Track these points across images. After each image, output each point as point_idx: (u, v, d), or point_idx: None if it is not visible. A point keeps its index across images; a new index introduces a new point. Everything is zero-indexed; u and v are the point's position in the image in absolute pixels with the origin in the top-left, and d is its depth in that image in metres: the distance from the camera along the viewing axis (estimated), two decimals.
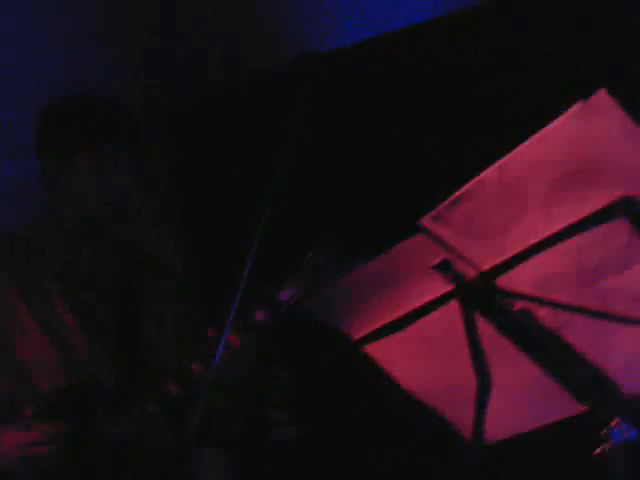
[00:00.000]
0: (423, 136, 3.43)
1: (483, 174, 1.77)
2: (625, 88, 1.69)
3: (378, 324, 2.02)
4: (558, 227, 1.73)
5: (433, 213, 1.82)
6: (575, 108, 1.67)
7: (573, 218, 1.71)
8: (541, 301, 1.80)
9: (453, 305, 1.90)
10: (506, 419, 1.98)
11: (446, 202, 1.81)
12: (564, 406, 1.88)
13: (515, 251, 1.78)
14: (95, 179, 2.53)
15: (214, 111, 3.84)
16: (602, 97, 1.63)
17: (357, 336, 2.06)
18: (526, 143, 1.73)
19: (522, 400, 1.95)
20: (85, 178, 2.53)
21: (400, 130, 3.50)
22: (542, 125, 1.70)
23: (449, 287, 1.89)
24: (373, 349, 2.07)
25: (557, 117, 1.68)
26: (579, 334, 1.81)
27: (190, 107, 3.87)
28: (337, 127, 3.54)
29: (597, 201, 1.68)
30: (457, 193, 1.80)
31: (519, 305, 1.83)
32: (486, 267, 1.83)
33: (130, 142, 2.57)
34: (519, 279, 1.81)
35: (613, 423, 1.82)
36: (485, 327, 1.88)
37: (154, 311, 2.62)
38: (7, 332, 2.48)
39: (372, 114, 3.55)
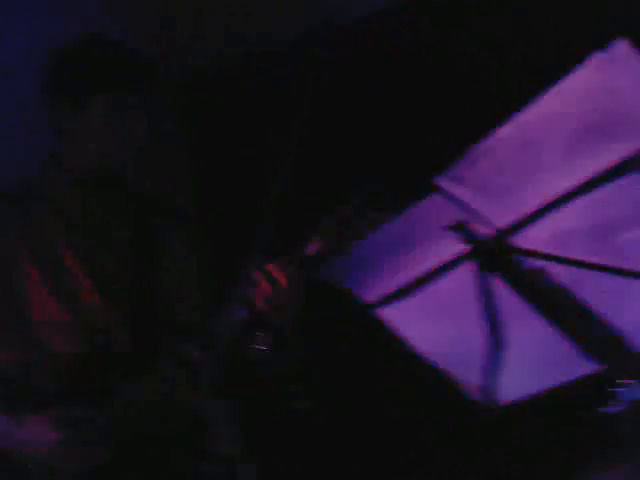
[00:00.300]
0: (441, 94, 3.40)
1: (499, 129, 1.74)
2: None
3: (393, 287, 1.99)
4: (575, 182, 1.70)
5: (448, 171, 1.79)
6: (593, 59, 1.63)
7: (590, 172, 1.68)
8: (557, 258, 1.77)
9: (469, 265, 1.87)
10: (521, 380, 1.95)
11: (461, 159, 1.78)
12: (580, 365, 1.84)
13: (531, 208, 1.75)
14: (111, 130, 2.44)
15: (232, 76, 3.81)
16: (621, 47, 1.59)
17: (372, 299, 2.03)
18: (543, 96, 1.69)
19: (537, 360, 1.91)
20: (101, 129, 2.44)
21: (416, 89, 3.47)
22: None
23: (464, 247, 1.86)
24: (388, 312, 2.04)
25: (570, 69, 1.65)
26: (595, 291, 1.78)
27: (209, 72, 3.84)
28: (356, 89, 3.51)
29: (614, 154, 1.65)
30: (473, 150, 1.77)
31: (535, 263, 1.80)
32: (502, 225, 1.80)
33: (149, 92, 2.49)
34: (535, 237, 1.78)
35: (625, 382, 1.79)
36: (501, 287, 1.85)
37: (171, 266, 2.55)
38: (18, 293, 2.43)
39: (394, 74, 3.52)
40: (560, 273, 1.78)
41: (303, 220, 2.27)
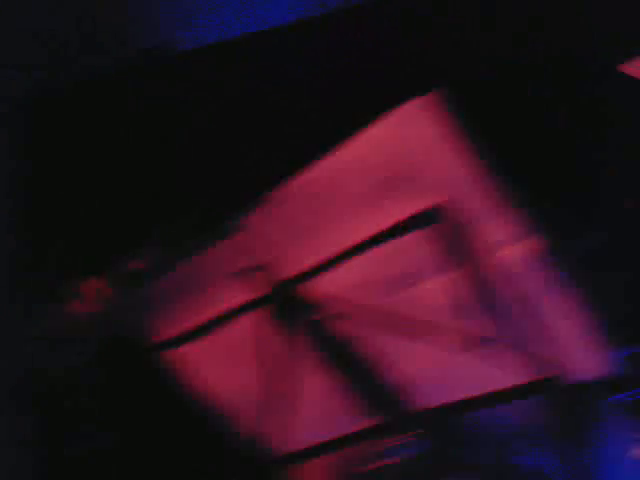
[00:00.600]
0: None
1: (298, 176, 1.72)
2: None
3: (185, 328, 1.94)
4: (370, 233, 1.70)
5: (246, 215, 1.76)
6: (394, 113, 1.64)
7: (384, 225, 1.68)
8: (347, 309, 1.76)
9: (261, 310, 1.84)
10: (309, 428, 1.92)
11: (259, 203, 1.75)
12: (363, 417, 1.83)
13: (325, 257, 1.74)
14: None
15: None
16: (418, 103, 1.61)
17: (163, 339, 1.97)
18: (346, 145, 1.69)
19: (326, 409, 1.89)
20: None
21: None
22: None
23: (258, 292, 1.82)
24: (179, 354, 1.98)
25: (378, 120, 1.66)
26: (381, 343, 1.77)
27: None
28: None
29: (409, 208, 1.65)
30: (271, 194, 1.75)
31: (326, 312, 1.78)
32: (295, 272, 1.78)
33: None
34: (328, 285, 1.76)
35: (398, 438, 1.79)
36: (293, 334, 1.82)
37: None
38: None
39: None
40: (351, 323, 1.77)
41: (127, 237, 2.22)
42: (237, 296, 1.82)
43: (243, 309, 1.83)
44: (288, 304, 1.78)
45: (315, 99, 3.31)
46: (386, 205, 1.67)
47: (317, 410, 1.87)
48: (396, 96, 1.66)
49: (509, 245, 1.65)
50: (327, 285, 1.75)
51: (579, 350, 1.69)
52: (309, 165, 1.70)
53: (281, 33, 3.37)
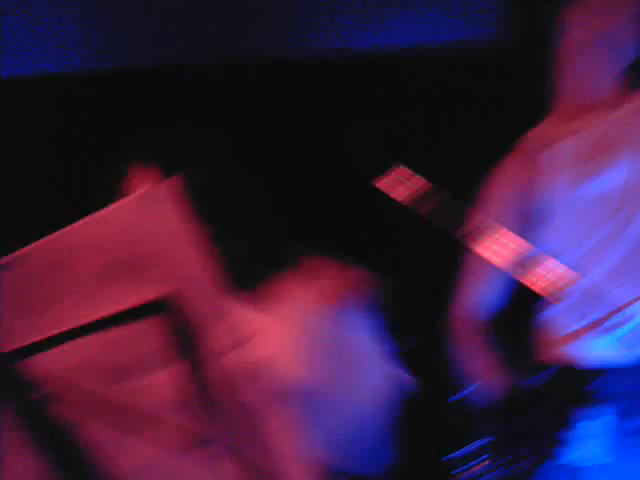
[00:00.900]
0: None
1: (30, 246, 1.61)
2: None
3: None
4: (99, 315, 1.60)
5: None
6: (140, 192, 1.58)
7: (112, 309, 1.58)
8: (66, 392, 1.64)
9: None
10: None
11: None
12: None
13: (47, 334, 1.62)
14: None
15: None
16: (164, 186, 1.54)
17: None
18: (88, 218, 1.60)
19: None
20: None
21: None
22: None
23: None
24: None
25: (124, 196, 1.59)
26: (98, 433, 1.66)
27: None
28: None
29: (138, 295, 1.57)
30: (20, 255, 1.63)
31: (43, 392, 1.66)
32: (13, 347, 1.64)
33: None
34: (47, 365, 1.64)
35: None
36: (3, 411, 1.68)
37: None
38: None
39: None
40: (69, 407, 1.66)
41: None
42: None
43: None
44: (2, 379, 1.65)
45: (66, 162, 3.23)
46: (117, 289, 1.58)
47: None
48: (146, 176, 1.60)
49: (237, 346, 1.58)
50: (46, 365, 1.63)
51: (295, 463, 1.63)
52: (43, 236, 1.60)
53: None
